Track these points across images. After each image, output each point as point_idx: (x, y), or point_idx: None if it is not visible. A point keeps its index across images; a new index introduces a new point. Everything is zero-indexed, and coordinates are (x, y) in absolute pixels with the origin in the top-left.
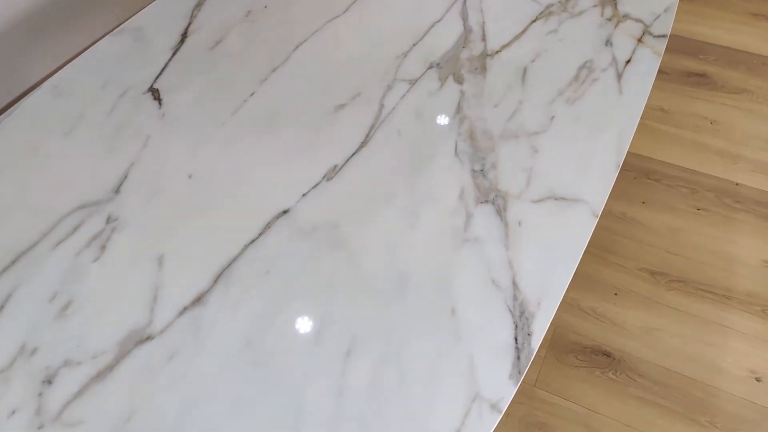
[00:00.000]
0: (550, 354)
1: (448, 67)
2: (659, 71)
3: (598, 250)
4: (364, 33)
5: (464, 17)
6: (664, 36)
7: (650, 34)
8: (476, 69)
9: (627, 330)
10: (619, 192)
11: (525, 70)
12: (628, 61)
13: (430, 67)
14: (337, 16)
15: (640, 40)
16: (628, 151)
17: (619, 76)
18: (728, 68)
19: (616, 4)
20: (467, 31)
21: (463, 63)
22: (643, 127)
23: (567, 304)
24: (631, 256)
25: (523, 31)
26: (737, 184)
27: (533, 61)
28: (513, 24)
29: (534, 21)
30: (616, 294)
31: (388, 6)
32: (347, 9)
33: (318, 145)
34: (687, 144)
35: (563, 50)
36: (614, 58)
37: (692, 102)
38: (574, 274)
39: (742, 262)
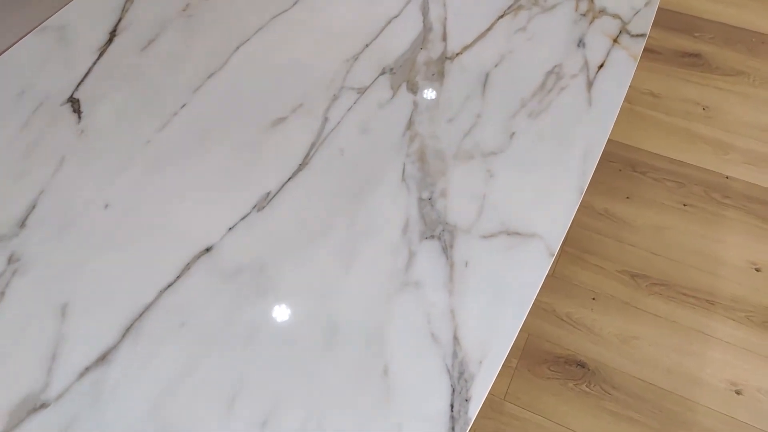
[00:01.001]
0: (522, 364)
1: (403, 73)
2: (651, 51)
3: (577, 250)
4: (313, 31)
5: (425, 12)
6: (642, 36)
7: (627, 33)
8: (433, 75)
9: (603, 338)
10: (603, 186)
11: (487, 76)
12: (600, 66)
13: (383, 72)
14: (285, 11)
15: (615, 41)
16: (614, 140)
17: (590, 84)
18: (725, 47)
19: None
20: (427, 29)
21: (420, 68)
22: (631, 113)
23: (542, 310)
24: (611, 256)
25: (489, 29)
26: (727, 177)
27: (497, 65)
28: (478, 20)
29: (502, 16)
30: (593, 299)
31: (339, 4)
32: (296, 1)
33: (251, 168)
34: (677, 132)
35: (531, 52)
36: (586, 62)
37: (684, 85)
38: (551, 276)
39: (728, 264)
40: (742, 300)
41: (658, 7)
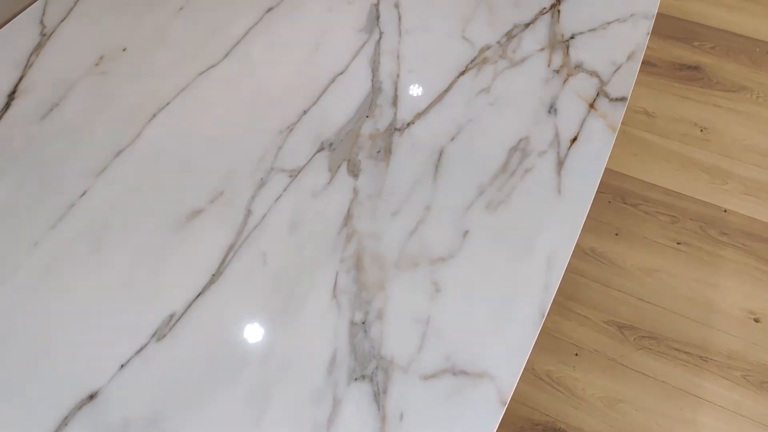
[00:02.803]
0: None
1: (343, 150)
2: (646, 63)
3: (560, 296)
4: (244, 92)
5: (374, 67)
6: (622, 100)
7: (606, 95)
8: (379, 153)
9: (586, 402)
10: (590, 220)
11: (441, 153)
12: (574, 140)
13: (321, 149)
14: (214, 65)
15: (592, 106)
16: (605, 168)
17: (560, 163)
18: (726, 58)
19: (567, 49)
20: (375, 89)
21: (364, 143)
22: (623, 135)
23: None
24: (597, 304)
25: (447, 90)
26: (725, 211)
27: (453, 138)
28: (435, 77)
29: (463, 72)
30: (576, 354)
31: (279, 51)
32: (226, 55)
33: (154, 281)
34: (672, 158)
35: (494, 121)
36: (557, 135)
37: (681, 103)
38: None
39: (723, 313)
40: (738, 356)
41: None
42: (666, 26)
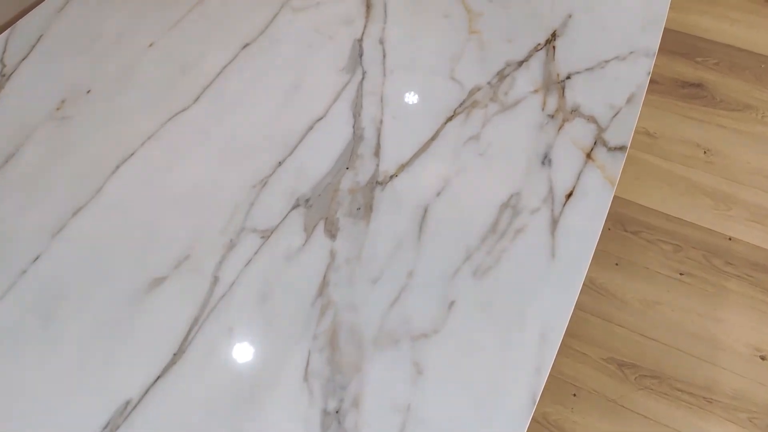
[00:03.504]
0: None
1: (321, 207)
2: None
3: None
4: (216, 140)
5: (357, 111)
6: (621, 149)
7: (604, 144)
8: (359, 210)
9: None
10: None
11: (426, 210)
12: (569, 195)
13: (296, 205)
14: (183, 110)
15: (589, 156)
16: None
17: (555, 222)
18: (731, 75)
19: (563, 90)
20: (357, 137)
21: (343, 198)
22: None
23: None
24: (596, 340)
25: (433, 138)
26: (730, 239)
27: (439, 194)
28: (421, 123)
29: (451, 118)
30: (574, 395)
31: (254, 93)
32: (198, 98)
33: (110, 361)
34: (674, 182)
35: (483, 174)
36: (551, 190)
37: (684, 123)
38: None
39: (728, 350)
40: (744, 397)
41: None
42: (668, 41)
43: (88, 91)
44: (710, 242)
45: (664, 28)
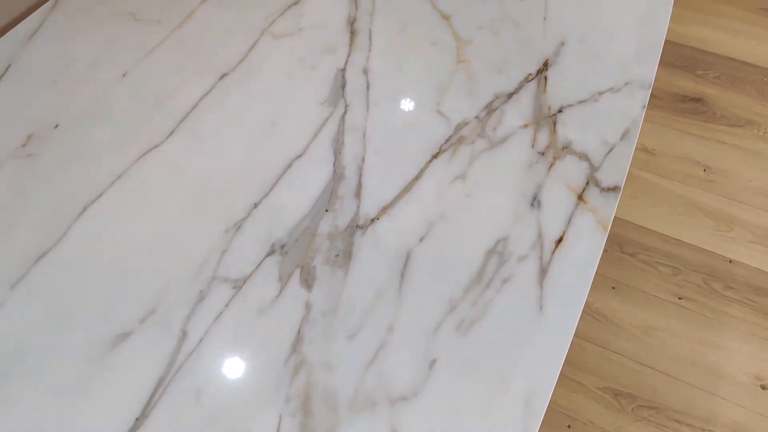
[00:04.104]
0: None
1: (297, 253)
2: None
3: None
4: (188, 180)
5: (337, 148)
6: (615, 190)
7: (597, 184)
8: (337, 257)
9: None
10: None
11: (408, 257)
12: (559, 241)
13: (271, 252)
14: (155, 147)
15: (581, 197)
16: None
17: (543, 272)
18: (732, 89)
19: (554, 125)
20: (337, 176)
21: (321, 244)
22: None
23: None
24: (591, 368)
25: (417, 177)
26: (730, 262)
27: (422, 239)
28: (405, 161)
29: (436, 155)
30: (569, 426)
31: (231, 128)
32: (171, 133)
33: (66, 426)
34: (673, 201)
35: (469, 217)
36: (540, 235)
37: (683, 139)
38: None
39: (728, 379)
40: (744, 428)
41: None
42: (667, 53)
43: (56, 126)
44: (710, 265)
45: (664, 41)
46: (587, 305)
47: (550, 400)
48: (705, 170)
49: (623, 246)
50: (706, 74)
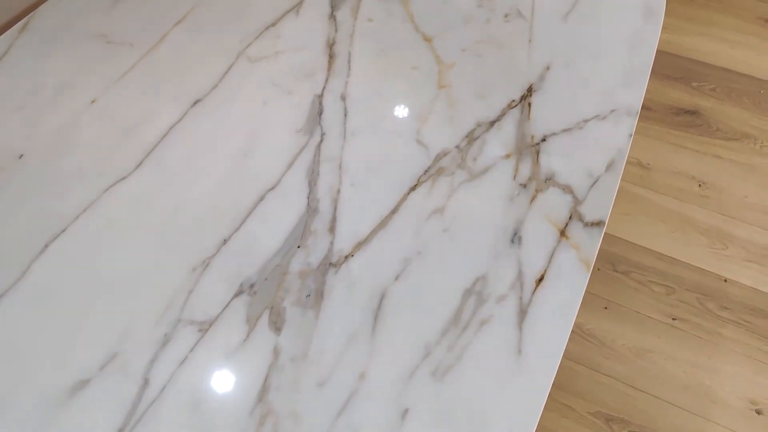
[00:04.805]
0: None
1: (266, 293)
2: (642, 107)
3: None
4: (155, 214)
5: (312, 180)
6: (599, 225)
7: (580, 219)
8: (308, 297)
9: None
10: None
11: (382, 297)
12: (540, 280)
13: (239, 292)
14: (123, 178)
15: (563, 233)
16: None
17: (523, 313)
18: (728, 102)
19: (537, 155)
20: (311, 210)
21: (292, 283)
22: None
23: None
24: (582, 392)
25: (394, 211)
26: (725, 281)
27: (398, 277)
28: (382, 193)
29: (414, 187)
30: None
31: (201, 159)
32: (139, 164)
33: None
34: (667, 218)
35: (446, 254)
36: (520, 274)
37: (678, 153)
38: None
39: (722, 403)
40: None
41: None
42: (662, 64)
43: (21, 156)
44: (705, 284)
45: (659, 51)
46: (578, 325)
47: (540, 426)
48: (700, 185)
49: (616, 264)
50: (701, 86)
